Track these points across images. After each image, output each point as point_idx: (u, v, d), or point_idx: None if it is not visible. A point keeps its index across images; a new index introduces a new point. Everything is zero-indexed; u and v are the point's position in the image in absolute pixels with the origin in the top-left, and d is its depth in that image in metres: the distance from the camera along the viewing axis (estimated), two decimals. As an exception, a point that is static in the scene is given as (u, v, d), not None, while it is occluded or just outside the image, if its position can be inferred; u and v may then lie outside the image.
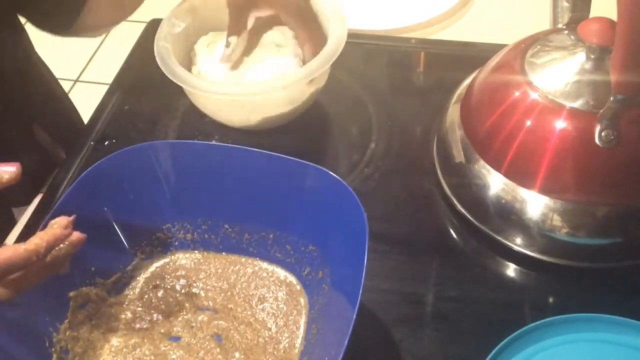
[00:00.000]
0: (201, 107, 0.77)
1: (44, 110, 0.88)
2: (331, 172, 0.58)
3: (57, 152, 0.89)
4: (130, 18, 0.85)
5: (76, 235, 0.53)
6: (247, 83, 0.74)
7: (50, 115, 0.90)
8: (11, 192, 0.80)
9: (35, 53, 0.89)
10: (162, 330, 0.62)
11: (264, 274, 0.65)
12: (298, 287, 0.64)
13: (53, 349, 0.58)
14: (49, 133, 0.88)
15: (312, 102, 0.78)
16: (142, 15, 0.80)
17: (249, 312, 0.63)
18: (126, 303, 0.64)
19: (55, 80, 0.95)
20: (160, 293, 0.64)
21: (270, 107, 0.75)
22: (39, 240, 0.50)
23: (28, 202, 0.85)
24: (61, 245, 0.52)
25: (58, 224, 0.52)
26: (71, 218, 0.52)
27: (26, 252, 0.49)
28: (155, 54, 0.74)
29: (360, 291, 0.50)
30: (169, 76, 0.72)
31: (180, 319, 0.63)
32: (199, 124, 0.83)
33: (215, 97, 0.73)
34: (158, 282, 0.65)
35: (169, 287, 0.65)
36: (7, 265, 0.49)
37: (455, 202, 0.70)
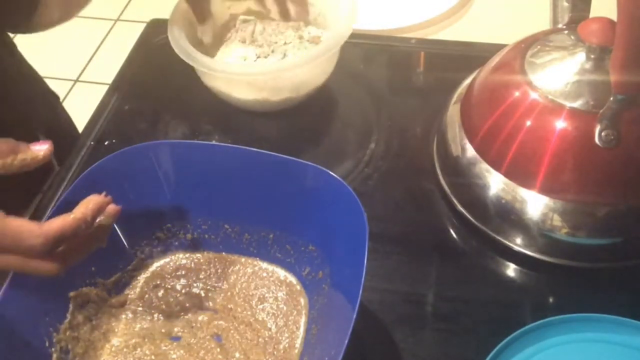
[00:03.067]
0: (217, 89, 0.79)
1: (41, 119, 0.89)
2: (331, 172, 0.58)
3: (50, 160, 0.89)
4: (130, 18, 0.86)
5: (113, 207, 0.55)
6: (261, 64, 0.77)
7: (46, 124, 0.90)
8: (4, 201, 0.80)
9: (23, 58, 0.89)
10: (163, 330, 0.62)
11: (264, 274, 0.65)
12: (298, 287, 0.64)
13: (53, 349, 0.58)
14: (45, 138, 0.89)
15: (322, 85, 0.80)
16: (142, 15, 0.80)
17: (249, 312, 0.63)
18: (127, 303, 0.64)
19: (49, 90, 0.95)
20: (160, 293, 0.64)
21: (283, 88, 0.77)
22: (84, 208, 0.52)
23: (24, 208, 0.84)
24: (101, 217, 0.54)
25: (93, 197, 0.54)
26: (103, 194, 0.54)
27: (75, 220, 0.50)
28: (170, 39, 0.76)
29: (360, 291, 0.50)
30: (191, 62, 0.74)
31: (180, 318, 0.63)
32: (199, 124, 0.83)
33: (231, 78, 0.75)
34: (158, 282, 0.65)
35: (169, 287, 0.65)
36: (59, 234, 0.50)
37: (455, 202, 0.70)
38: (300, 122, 0.82)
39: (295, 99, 0.79)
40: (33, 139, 0.85)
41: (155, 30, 0.92)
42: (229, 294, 0.64)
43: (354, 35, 0.88)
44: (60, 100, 0.97)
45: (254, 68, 0.77)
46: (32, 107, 0.87)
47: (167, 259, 0.67)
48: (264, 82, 0.76)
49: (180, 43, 0.75)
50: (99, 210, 0.53)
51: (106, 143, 0.80)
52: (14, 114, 0.82)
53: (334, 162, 0.77)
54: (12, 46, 0.86)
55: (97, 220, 0.54)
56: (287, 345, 0.60)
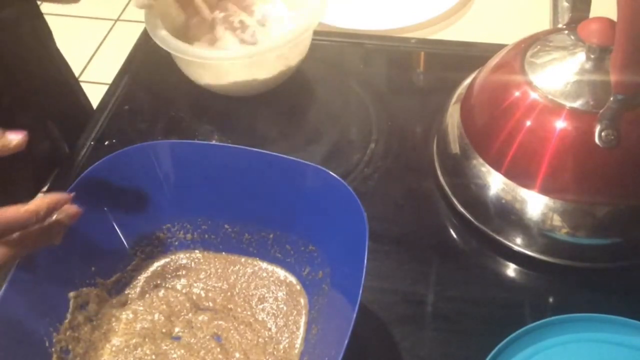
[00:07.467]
0: (197, 77, 0.80)
1: (56, 102, 0.89)
2: (331, 172, 0.58)
3: (62, 146, 0.90)
4: (130, 18, 0.86)
5: (74, 208, 0.55)
6: (236, 48, 0.79)
7: (61, 107, 0.90)
8: (17, 184, 0.80)
9: (54, 43, 0.90)
10: (163, 330, 0.62)
11: (264, 274, 0.65)
12: (298, 287, 0.64)
13: (53, 349, 0.58)
14: (57, 126, 0.89)
15: (295, 69, 0.81)
16: (142, 15, 0.80)
17: (249, 312, 0.63)
18: (127, 303, 0.64)
19: (70, 72, 0.95)
20: (161, 293, 0.64)
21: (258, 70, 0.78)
22: (39, 201, 0.52)
23: (32, 197, 0.85)
24: (60, 215, 0.54)
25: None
26: (71, 195, 0.55)
27: (27, 212, 0.51)
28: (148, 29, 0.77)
29: (360, 291, 0.50)
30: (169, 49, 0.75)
31: (180, 318, 0.63)
32: (199, 124, 0.83)
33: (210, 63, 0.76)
34: (159, 282, 0.65)
35: (169, 286, 0.65)
36: (8, 223, 0.50)
37: (455, 202, 0.70)
38: (300, 122, 0.82)
39: (276, 80, 0.80)
40: (51, 118, 0.86)
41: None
42: (228, 294, 0.64)
43: (353, 35, 0.88)
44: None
45: (227, 53, 0.78)
46: (53, 86, 0.88)
47: (167, 259, 0.67)
48: (242, 65, 0.77)
49: (161, 34, 0.76)
50: (55, 207, 0.53)
51: (106, 143, 0.81)
52: (34, 93, 0.83)
53: (334, 162, 0.77)
54: (42, 21, 0.87)
55: (55, 218, 0.54)
56: (287, 345, 0.60)
